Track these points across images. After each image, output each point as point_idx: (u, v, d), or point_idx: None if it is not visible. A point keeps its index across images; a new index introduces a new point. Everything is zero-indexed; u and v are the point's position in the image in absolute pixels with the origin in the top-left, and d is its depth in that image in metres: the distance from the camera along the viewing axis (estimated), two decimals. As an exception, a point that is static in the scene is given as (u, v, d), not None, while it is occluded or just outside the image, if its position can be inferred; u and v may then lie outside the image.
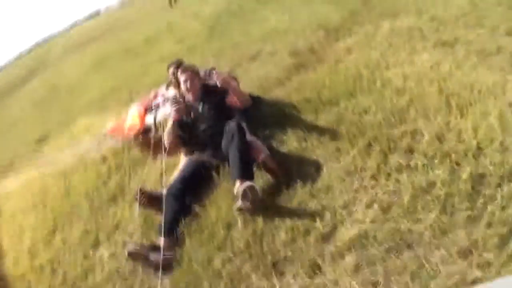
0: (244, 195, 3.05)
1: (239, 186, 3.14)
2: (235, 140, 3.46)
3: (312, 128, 3.81)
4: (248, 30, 8.42)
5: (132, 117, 5.49)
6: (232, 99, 4.23)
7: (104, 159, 5.48)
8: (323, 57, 5.46)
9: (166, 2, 22.66)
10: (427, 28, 5.17)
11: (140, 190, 3.68)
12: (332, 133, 3.63)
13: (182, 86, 4.45)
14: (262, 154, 3.49)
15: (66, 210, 4.57)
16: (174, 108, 4.17)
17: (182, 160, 4.13)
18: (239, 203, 3.08)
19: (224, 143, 3.65)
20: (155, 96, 5.65)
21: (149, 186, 4.17)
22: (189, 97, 4.38)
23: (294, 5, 9.08)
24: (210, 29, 10.05)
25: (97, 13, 68.55)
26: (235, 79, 4.79)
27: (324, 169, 3.26)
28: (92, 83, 11.10)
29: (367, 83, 4.23)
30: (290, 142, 3.78)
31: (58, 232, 4.36)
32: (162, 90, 5.69)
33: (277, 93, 4.82)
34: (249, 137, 3.71)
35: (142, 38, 13.66)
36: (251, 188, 3.08)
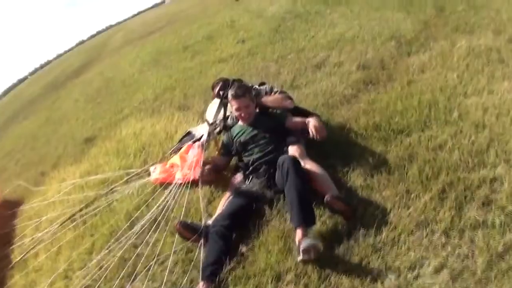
0: (306, 252, 2.73)
1: (301, 240, 2.78)
2: (291, 177, 3.10)
3: (380, 163, 3.47)
4: (314, 35, 8.06)
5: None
6: (293, 123, 3.97)
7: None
8: (394, 74, 5.12)
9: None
10: (506, 51, 4.82)
11: (180, 222, 3.44)
12: (402, 171, 3.30)
13: (235, 113, 4.13)
14: (329, 193, 3.10)
15: (105, 230, 4.22)
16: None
17: (232, 187, 3.78)
18: (300, 257, 2.76)
19: (278, 176, 3.34)
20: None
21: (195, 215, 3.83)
22: (241, 122, 4.12)
23: (363, 10, 8.67)
24: (273, 30, 9.68)
25: (162, 2, 69.29)
26: (289, 98, 4.35)
27: (391, 216, 2.93)
28: (146, 81, 10.85)
29: (443, 112, 3.90)
30: (354, 177, 3.43)
31: (95, 254, 3.99)
32: (197, 131, 5.06)
33: (343, 113, 4.49)
34: (309, 164, 3.43)
35: (203, 35, 13.33)
36: (315, 247, 2.73)
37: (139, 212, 4.20)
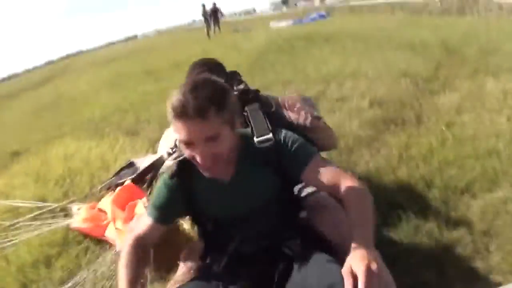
0: None
1: None
2: None
3: (449, 244, 2.16)
4: (301, 68, 6.92)
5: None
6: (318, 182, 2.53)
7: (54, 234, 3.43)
8: (424, 114, 3.96)
9: (204, 34, 22.29)
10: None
11: None
12: (485, 255, 2.05)
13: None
14: None
15: None
16: None
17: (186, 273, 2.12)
18: None
19: None
20: None
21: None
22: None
23: (357, 49, 7.74)
24: (252, 63, 8.54)
25: (134, 38, 70.03)
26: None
27: None
28: (98, 100, 9.90)
29: (510, 165, 2.75)
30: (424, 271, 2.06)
31: None
32: (142, 163, 3.83)
33: (366, 159, 3.23)
34: None
35: (170, 63, 12.35)
36: None
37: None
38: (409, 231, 2.25)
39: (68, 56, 68.03)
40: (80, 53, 69.48)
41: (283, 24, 18.78)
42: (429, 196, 2.54)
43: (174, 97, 1.46)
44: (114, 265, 2.67)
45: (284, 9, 35.86)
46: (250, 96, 2.24)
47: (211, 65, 2.46)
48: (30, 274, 2.90)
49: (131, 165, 3.89)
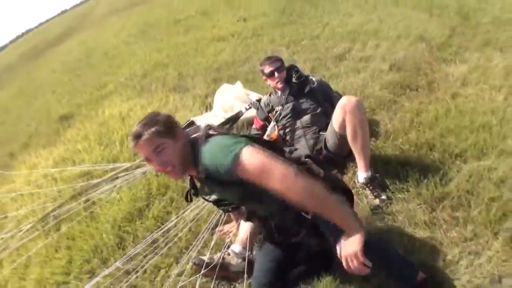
0: None
1: None
2: None
3: (442, 194, 2.95)
4: (328, 22, 7.45)
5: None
6: None
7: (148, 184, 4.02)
8: (435, 82, 4.62)
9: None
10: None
11: (195, 262, 2.77)
12: (468, 209, 2.82)
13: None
14: None
15: (85, 245, 3.52)
16: None
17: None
18: None
19: None
20: None
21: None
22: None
23: (379, 4, 8.16)
24: (279, 11, 8.96)
25: None
26: None
27: (463, 265, 2.50)
28: (133, 54, 9.86)
29: (498, 139, 3.42)
30: (414, 208, 2.93)
31: (73, 277, 3.34)
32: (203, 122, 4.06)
33: (386, 121, 3.94)
34: None
35: (196, 9, 12.36)
36: None
37: (131, 224, 3.50)
38: (412, 183, 3.06)
39: (82, 3, 65.26)
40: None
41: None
42: (430, 158, 3.30)
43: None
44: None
45: None
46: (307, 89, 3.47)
47: (279, 58, 3.74)
48: (124, 227, 3.50)
49: (191, 124, 4.24)
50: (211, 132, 2.16)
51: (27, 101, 10.61)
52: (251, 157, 1.86)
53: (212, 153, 1.96)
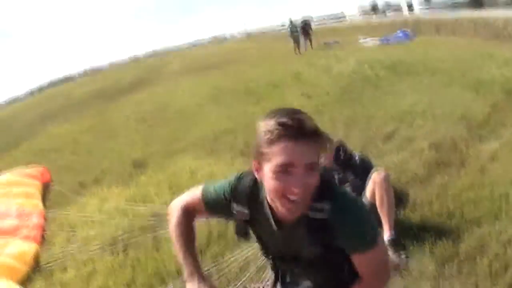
0: None
1: None
2: None
3: (452, 254, 3.56)
4: (383, 103, 8.35)
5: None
6: None
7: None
8: (466, 159, 5.27)
9: (290, 48, 22.23)
10: None
11: None
12: (473, 263, 3.41)
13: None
14: None
15: (148, 268, 4.05)
16: None
17: None
18: None
19: None
20: None
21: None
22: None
23: (432, 84, 8.94)
24: (341, 90, 9.94)
25: (223, 39, 67.71)
26: None
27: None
28: (205, 117, 10.63)
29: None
30: (426, 264, 3.53)
31: None
32: None
33: (417, 194, 4.63)
34: None
35: (266, 81, 13.24)
36: None
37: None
38: (428, 245, 3.70)
39: (154, 53, 68.01)
40: (166, 50, 69.21)
41: (370, 43, 20.02)
42: (447, 223, 3.99)
43: (276, 120, 1.46)
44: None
45: (374, 17, 36.25)
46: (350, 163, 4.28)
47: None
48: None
49: None
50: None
51: (98, 139, 11.28)
52: (383, 254, 1.66)
53: (359, 219, 1.55)
